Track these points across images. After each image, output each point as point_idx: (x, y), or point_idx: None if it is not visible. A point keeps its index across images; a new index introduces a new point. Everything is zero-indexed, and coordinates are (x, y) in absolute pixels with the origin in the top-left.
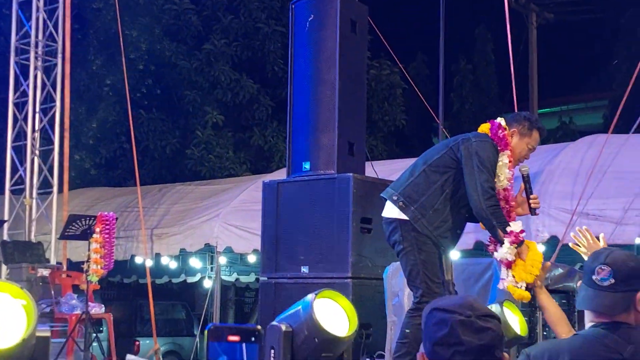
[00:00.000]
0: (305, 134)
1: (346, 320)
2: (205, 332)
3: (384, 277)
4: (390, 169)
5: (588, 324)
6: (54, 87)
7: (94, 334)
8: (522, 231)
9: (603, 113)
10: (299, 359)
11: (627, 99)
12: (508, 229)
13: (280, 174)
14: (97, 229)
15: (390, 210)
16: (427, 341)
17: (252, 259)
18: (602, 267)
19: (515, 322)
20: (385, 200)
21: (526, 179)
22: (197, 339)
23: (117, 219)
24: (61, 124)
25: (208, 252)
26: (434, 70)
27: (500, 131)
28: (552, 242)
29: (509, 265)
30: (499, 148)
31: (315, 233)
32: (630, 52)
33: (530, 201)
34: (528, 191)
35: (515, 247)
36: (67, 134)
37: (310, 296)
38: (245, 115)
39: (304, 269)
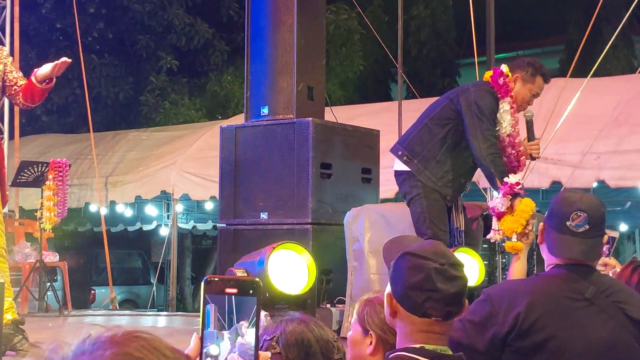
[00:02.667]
0: (263, 78)
1: (305, 273)
2: (202, 284)
3: (344, 223)
4: (349, 115)
5: (549, 266)
6: (2, 30)
7: (49, 283)
8: (517, 184)
9: (559, 57)
10: None
11: (584, 43)
12: (505, 179)
13: (238, 120)
14: (50, 176)
15: (398, 164)
16: (399, 284)
17: (209, 206)
18: (579, 214)
19: (474, 269)
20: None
21: (529, 125)
22: (154, 287)
23: (70, 166)
24: None
25: (164, 199)
26: (391, 16)
27: (501, 78)
28: None
29: (500, 216)
30: (499, 95)
31: (275, 179)
32: None
33: (529, 147)
34: (530, 136)
35: (510, 199)
36: None
37: (267, 250)
38: (201, 60)
39: (263, 215)
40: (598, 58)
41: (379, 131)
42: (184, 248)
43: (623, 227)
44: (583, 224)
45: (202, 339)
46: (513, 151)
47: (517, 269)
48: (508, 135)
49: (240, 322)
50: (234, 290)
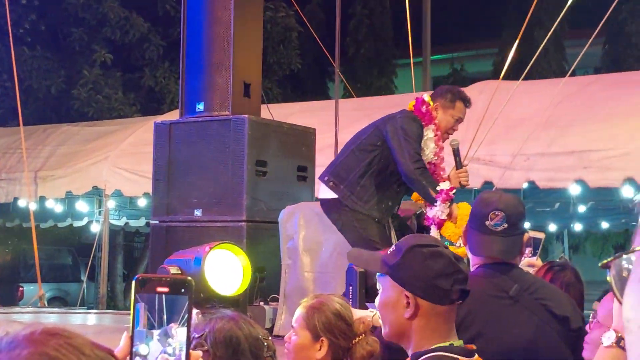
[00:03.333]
0: (199, 74)
1: (240, 274)
2: (133, 283)
3: (279, 221)
4: (286, 112)
5: (473, 266)
6: None
7: None
8: (451, 188)
9: (493, 60)
10: None
11: (517, 46)
12: (438, 188)
13: (173, 116)
14: None
15: (323, 192)
16: (420, 278)
17: (142, 202)
18: (496, 213)
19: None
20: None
21: (456, 153)
22: (84, 285)
23: None
24: None
25: (96, 195)
26: (329, 14)
27: (423, 106)
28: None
29: (440, 224)
30: (423, 123)
31: (209, 176)
32: (519, 1)
33: (457, 175)
34: (458, 164)
35: (448, 206)
36: None
37: (204, 248)
38: (135, 55)
39: (197, 212)
40: (530, 61)
41: (315, 129)
42: (116, 245)
43: (552, 227)
44: (501, 222)
45: (132, 338)
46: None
47: None
48: (429, 163)
49: (170, 325)
50: (166, 289)
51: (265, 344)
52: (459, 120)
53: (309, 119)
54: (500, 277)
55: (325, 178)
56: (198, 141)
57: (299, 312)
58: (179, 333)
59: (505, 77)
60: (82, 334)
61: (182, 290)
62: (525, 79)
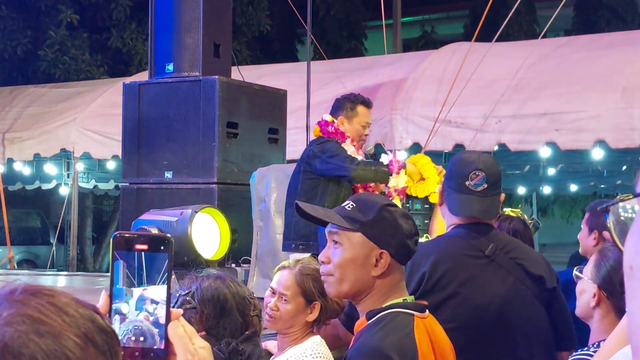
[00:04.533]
0: (168, 34)
1: (218, 239)
2: (110, 240)
3: (250, 183)
4: (256, 74)
5: (450, 227)
6: None
7: None
8: (396, 159)
9: (464, 22)
10: None
11: (488, 8)
12: (385, 163)
13: (141, 77)
14: None
15: (296, 256)
16: (395, 237)
17: (111, 165)
18: (477, 173)
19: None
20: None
21: (373, 158)
22: (54, 247)
23: None
24: None
25: (64, 157)
26: None
27: (329, 127)
28: (415, 148)
29: (404, 192)
30: (339, 141)
31: (180, 137)
32: None
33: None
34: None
35: (404, 173)
36: None
37: (188, 211)
38: (102, 15)
39: (168, 174)
40: (502, 24)
41: (286, 91)
42: (85, 208)
43: (521, 189)
44: (482, 182)
45: (111, 296)
46: (369, 190)
47: (438, 224)
48: None
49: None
50: (145, 247)
51: (252, 302)
52: (367, 124)
53: (280, 80)
54: (477, 237)
55: (292, 246)
56: (168, 102)
57: (288, 278)
58: (158, 291)
59: (477, 40)
60: (65, 292)
61: (162, 247)
62: (497, 41)
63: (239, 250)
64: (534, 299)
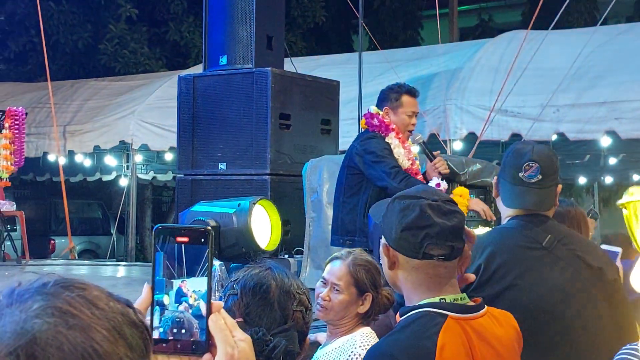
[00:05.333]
0: (222, 27)
1: (269, 231)
2: (153, 232)
3: (303, 174)
4: (310, 65)
5: (506, 218)
6: None
7: (6, 232)
8: (438, 185)
9: (522, 10)
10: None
11: None
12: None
13: (197, 70)
14: (6, 125)
15: None
16: (393, 229)
17: (169, 156)
18: (530, 164)
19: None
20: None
21: (423, 147)
22: (114, 237)
23: (27, 114)
24: None
25: (123, 149)
26: None
27: (374, 119)
28: (470, 138)
29: None
30: (383, 135)
31: (233, 129)
32: None
33: (434, 167)
34: (430, 157)
35: None
36: None
37: (246, 203)
38: (160, 9)
39: (222, 166)
40: (560, 10)
41: (338, 82)
42: (144, 199)
43: (582, 179)
44: (535, 174)
45: (153, 288)
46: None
47: None
48: (406, 170)
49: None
50: (185, 239)
51: (297, 297)
52: (413, 114)
53: (334, 71)
54: (534, 228)
55: (341, 241)
56: (222, 94)
57: (341, 268)
58: (199, 283)
59: (535, 27)
60: (98, 286)
61: (202, 240)
62: (555, 28)
63: (292, 241)
64: (593, 291)
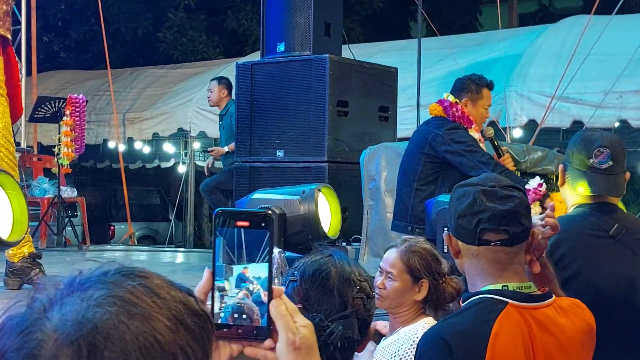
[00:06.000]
0: (280, 14)
1: (329, 218)
2: (213, 217)
3: (360, 161)
4: (367, 52)
5: (572, 207)
6: None
7: (67, 218)
8: (540, 185)
9: None
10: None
11: None
12: (526, 186)
13: (254, 57)
14: (67, 112)
15: None
16: (452, 217)
17: None
18: (602, 150)
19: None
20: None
21: (493, 141)
22: (172, 224)
23: (87, 101)
24: (28, 4)
25: (182, 137)
26: None
27: (454, 109)
28: (530, 125)
29: None
30: (465, 127)
31: (291, 116)
32: None
33: (504, 163)
34: (499, 153)
35: (538, 205)
36: (34, 14)
37: (311, 190)
38: None
39: (279, 153)
40: None
41: (396, 69)
42: None
43: None
44: (606, 160)
45: (213, 273)
46: None
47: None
48: None
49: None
50: (246, 224)
51: (357, 284)
52: (489, 106)
53: (391, 58)
54: (601, 216)
55: (409, 229)
56: (279, 82)
57: (395, 256)
58: (259, 269)
59: (597, 12)
60: (159, 274)
61: (263, 224)
62: (617, 13)
63: (350, 229)
64: None
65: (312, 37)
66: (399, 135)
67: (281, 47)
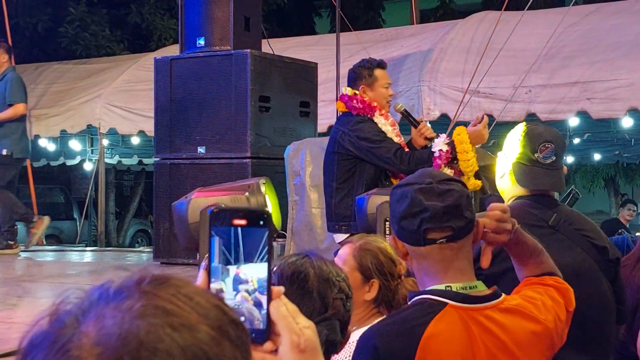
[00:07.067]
0: (199, 8)
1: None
2: (208, 215)
3: (285, 157)
4: (279, 47)
5: (510, 199)
6: None
7: None
8: (448, 150)
9: None
10: None
11: None
12: (434, 153)
13: (164, 53)
14: None
15: (339, 236)
16: (393, 220)
17: (135, 140)
18: (547, 145)
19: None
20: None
21: (406, 114)
22: (78, 222)
23: None
24: None
25: (88, 134)
26: None
27: (355, 101)
28: (443, 120)
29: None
30: (369, 115)
31: (212, 112)
32: None
33: (419, 133)
34: (414, 123)
35: (449, 165)
36: None
37: (256, 184)
38: None
39: (201, 150)
40: None
41: (317, 64)
42: (108, 183)
43: None
44: (550, 155)
45: (208, 274)
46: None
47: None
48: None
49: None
50: (243, 222)
51: (336, 285)
52: (388, 85)
53: (302, 54)
54: (540, 207)
55: (336, 227)
56: (200, 77)
57: (347, 252)
58: (257, 269)
59: (497, 9)
60: (190, 280)
61: (261, 222)
62: (516, 10)
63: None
64: (598, 270)
65: (232, 32)
66: (319, 130)
67: (201, 42)
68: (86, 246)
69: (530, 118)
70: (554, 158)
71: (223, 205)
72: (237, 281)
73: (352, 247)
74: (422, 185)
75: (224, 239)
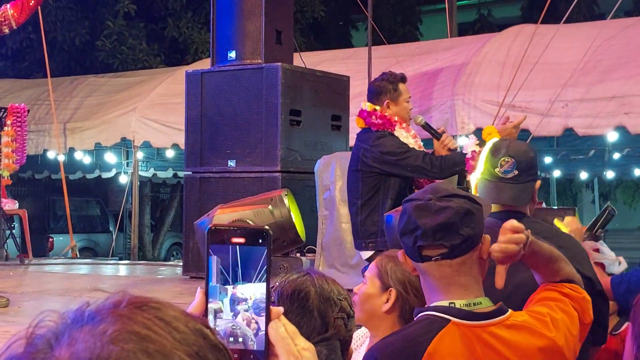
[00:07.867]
0: (230, 21)
1: (296, 222)
2: (205, 233)
3: (315, 171)
4: (313, 61)
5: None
6: None
7: (8, 231)
8: (473, 152)
9: (521, 5)
10: None
11: None
12: (467, 155)
13: (200, 66)
14: (8, 122)
15: (366, 253)
16: (398, 235)
17: (170, 153)
18: (506, 159)
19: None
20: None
21: (427, 128)
22: (114, 235)
23: (29, 111)
24: None
25: (123, 146)
26: None
27: (373, 117)
28: (477, 134)
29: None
30: (389, 130)
31: (243, 125)
32: None
33: (442, 146)
34: (437, 136)
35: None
36: None
37: (279, 196)
38: (158, 5)
39: (231, 163)
40: (560, 5)
41: (348, 77)
42: (143, 196)
43: (583, 175)
44: (512, 169)
45: (206, 294)
46: None
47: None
48: None
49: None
50: (242, 240)
51: (338, 304)
52: (409, 98)
53: (337, 67)
54: None
55: (363, 245)
56: (230, 90)
57: (375, 260)
58: (256, 289)
59: (534, 22)
60: (172, 304)
61: (260, 240)
62: (553, 23)
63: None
64: None
65: (263, 45)
66: (352, 144)
67: (232, 55)
68: (120, 259)
69: (568, 132)
70: (516, 172)
71: (229, 222)
72: (235, 301)
73: (379, 256)
74: (421, 202)
75: (222, 257)
